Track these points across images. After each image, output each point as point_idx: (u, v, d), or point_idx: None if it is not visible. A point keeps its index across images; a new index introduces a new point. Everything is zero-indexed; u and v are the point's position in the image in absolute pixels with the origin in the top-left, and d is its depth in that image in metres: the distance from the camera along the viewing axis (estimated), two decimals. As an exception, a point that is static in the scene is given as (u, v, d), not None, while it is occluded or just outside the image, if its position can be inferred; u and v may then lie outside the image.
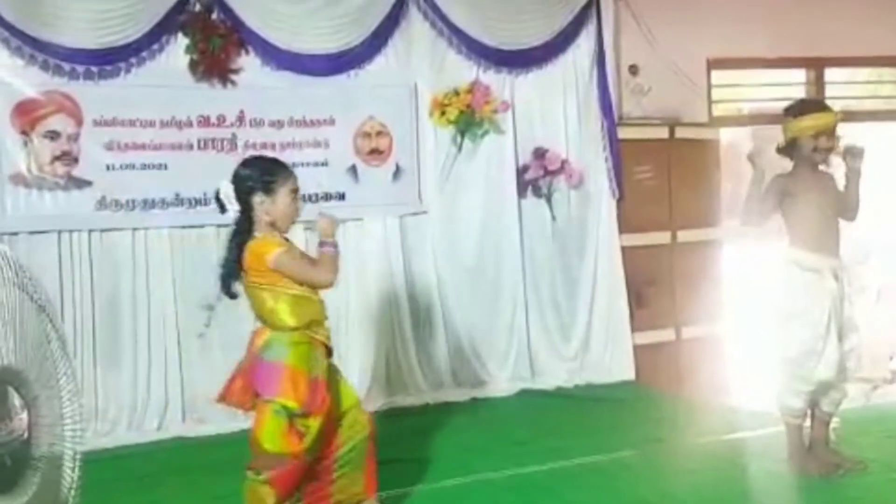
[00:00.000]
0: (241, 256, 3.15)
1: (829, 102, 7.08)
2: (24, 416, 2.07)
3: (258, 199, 3.16)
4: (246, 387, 3.24)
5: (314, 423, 3.15)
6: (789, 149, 4.00)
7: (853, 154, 3.92)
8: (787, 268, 3.97)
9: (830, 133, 3.93)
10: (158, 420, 5.28)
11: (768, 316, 4.13)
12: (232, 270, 3.17)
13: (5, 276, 2.11)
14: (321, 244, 3.25)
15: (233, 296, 3.24)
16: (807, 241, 3.90)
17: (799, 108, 4.01)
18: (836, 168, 4.08)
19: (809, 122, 3.91)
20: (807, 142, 3.91)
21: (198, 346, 5.40)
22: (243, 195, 3.16)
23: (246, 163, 3.29)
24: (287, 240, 3.30)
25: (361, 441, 3.39)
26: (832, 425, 4.15)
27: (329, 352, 3.34)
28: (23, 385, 2.07)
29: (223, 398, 3.30)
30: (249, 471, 3.20)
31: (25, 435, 2.07)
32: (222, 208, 3.18)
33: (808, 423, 4.09)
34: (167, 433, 5.20)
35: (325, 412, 3.17)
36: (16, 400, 2.05)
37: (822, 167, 4.03)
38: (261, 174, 3.19)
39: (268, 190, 3.17)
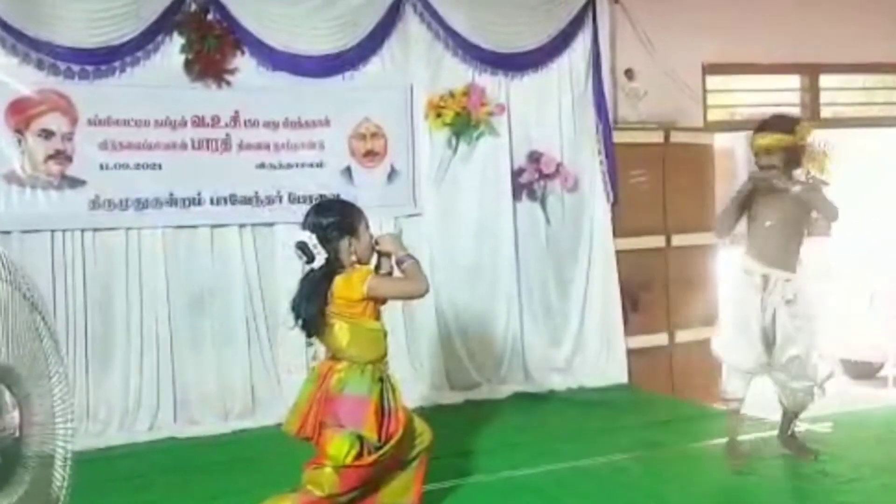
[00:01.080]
0: (326, 296, 3.22)
1: (825, 108, 7.22)
2: (16, 414, 2.06)
3: (345, 242, 3.26)
4: (314, 419, 3.27)
5: (388, 448, 3.23)
6: (797, 155, 4.07)
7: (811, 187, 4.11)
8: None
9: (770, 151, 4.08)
10: (150, 420, 5.25)
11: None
12: (320, 311, 3.23)
13: (-2, 273, 2.10)
14: (398, 262, 3.36)
15: (311, 334, 3.32)
16: (750, 246, 4.13)
17: (794, 119, 4.15)
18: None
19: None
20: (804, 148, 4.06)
21: (189, 347, 5.39)
22: (330, 241, 3.24)
23: (321, 211, 3.33)
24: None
25: (423, 450, 3.45)
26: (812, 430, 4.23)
27: None
28: (15, 383, 2.06)
29: (299, 431, 3.29)
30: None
31: (17, 433, 2.06)
32: (310, 258, 3.23)
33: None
34: (159, 434, 5.18)
35: (397, 436, 3.25)
36: (7, 398, 2.04)
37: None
38: (342, 219, 3.28)
39: (352, 231, 3.28)
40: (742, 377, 4.17)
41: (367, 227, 3.36)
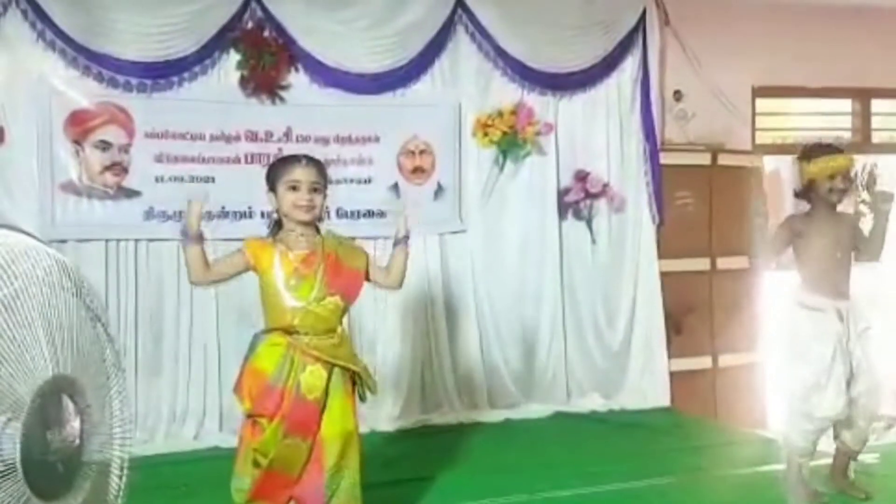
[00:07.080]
0: None
1: (876, 133, 7.09)
2: (77, 423, 2.13)
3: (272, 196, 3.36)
4: None
5: (269, 427, 3.09)
6: (806, 191, 4.03)
7: (884, 198, 3.95)
8: (794, 308, 4.01)
9: (845, 174, 3.98)
10: (196, 429, 5.33)
11: (778, 356, 4.14)
12: None
13: (63, 285, 2.17)
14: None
15: None
16: (813, 281, 3.95)
17: (813, 152, 4.02)
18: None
19: (825, 163, 3.95)
20: (823, 182, 3.95)
21: (236, 358, 5.44)
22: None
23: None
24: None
25: (331, 478, 3.14)
26: (858, 461, 4.10)
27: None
28: (77, 393, 2.13)
29: None
30: None
31: (77, 441, 2.12)
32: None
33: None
34: (204, 443, 5.23)
35: (283, 422, 3.09)
36: (70, 408, 2.11)
37: (839, 208, 4.06)
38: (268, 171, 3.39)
39: (272, 188, 3.34)
40: (816, 431, 3.92)
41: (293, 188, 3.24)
